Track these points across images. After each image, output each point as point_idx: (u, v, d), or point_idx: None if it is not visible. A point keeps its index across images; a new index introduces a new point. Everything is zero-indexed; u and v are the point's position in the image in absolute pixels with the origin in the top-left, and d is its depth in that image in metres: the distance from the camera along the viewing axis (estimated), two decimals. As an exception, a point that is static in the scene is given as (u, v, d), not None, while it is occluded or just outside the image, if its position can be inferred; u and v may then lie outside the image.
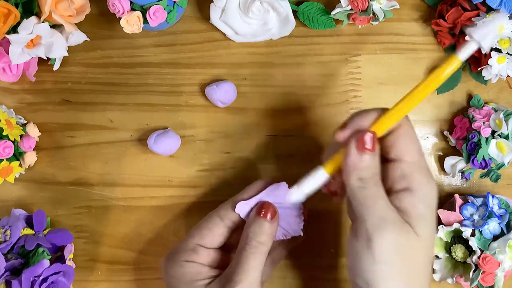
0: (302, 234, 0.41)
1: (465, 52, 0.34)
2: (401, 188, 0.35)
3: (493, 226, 0.44)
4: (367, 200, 0.35)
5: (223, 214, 0.41)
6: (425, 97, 0.35)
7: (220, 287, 0.38)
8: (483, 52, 0.34)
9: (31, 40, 0.41)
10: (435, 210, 0.36)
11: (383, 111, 0.36)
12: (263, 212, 0.39)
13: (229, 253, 0.43)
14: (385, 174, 0.36)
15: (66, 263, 0.44)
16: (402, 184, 0.35)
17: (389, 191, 0.36)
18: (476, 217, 0.45)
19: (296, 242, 0.44)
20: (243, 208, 0.40)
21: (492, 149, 0.45)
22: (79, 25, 0.46)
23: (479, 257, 0.43)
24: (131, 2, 0.43)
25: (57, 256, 0.45)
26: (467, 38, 0.34)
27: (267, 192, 0.40)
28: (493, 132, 0.45)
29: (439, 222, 0.45)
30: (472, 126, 0.46)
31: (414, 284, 0.35)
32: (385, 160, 0.37)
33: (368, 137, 0.35)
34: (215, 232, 0.41)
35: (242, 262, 0.38)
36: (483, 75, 0.45)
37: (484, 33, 0.34)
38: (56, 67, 0.45)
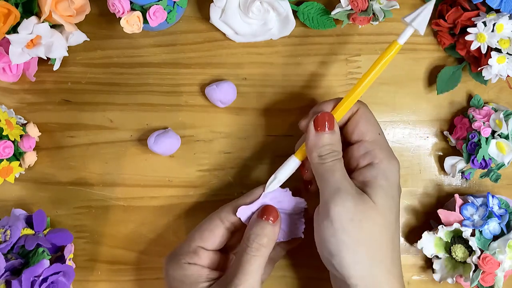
0: (302, 236, 0.42)
1: (403, 37, 0.39)
2: (364, 164, 0.39)
3: (493, 226, 0.44)
4: (324, 174, 0.38)
5: (223, 216, 0.41)
6: (373, 81, 0.39)
7: None
8: (422, 34, 0.39)
9: (31, 40, 0.41)
10: (396, 183, 0.39)
11: (340, 99, 0.40)
12: (265, 215, 0.39)
13: (230, 254, 0.43)
14: (351, 155, 0.40)
15: (66, 263, 0.44)
16: (365, 161, 0.39)
17: (356, 169, 0.39)
18: (476, 217, 0.45)
19: (295, 243, 0.44)
20: (244, 212, 0.40)
21: (492, 149, 0.45)
22: (79, 25, 0.46)
23: (479, 257, 0.43)
24: (131, 2, 0.43)
25: (57, 256, 0.45)
26: (404, 22, 0.39)
27: (267, 194, 0.41)
28: (493, 132, 0.45)
29: (439, 222, 0.45)
30: (472, 126, 0.46)
31: (376, 253, 0.36)
32: (350, 144, 0.41)
33: (323, 117, 0.39)
34: (216, 234, 0.41)
35: (242, 264, 0.38)
36: (483, 75, 0.45)
37: (414, 17, 0.38)
38: (56, 67, 0.45)
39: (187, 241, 0.41)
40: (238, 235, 0.42)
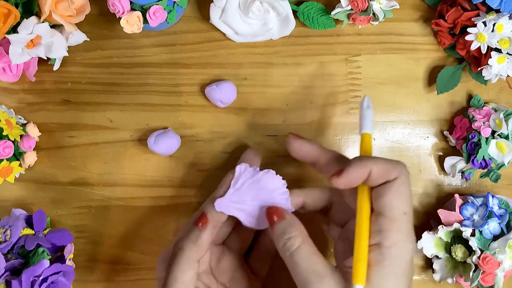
0: (292, 209, 0.40)
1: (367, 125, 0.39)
2: (373, 243, 0.34)
3: (493, 226, 0.44)
4: (289, 265, 0.36)
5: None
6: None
7: None
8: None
9: (31, 40, 0.41)
10: (404, 270, 0.34)
11: (376, 161, 0.35)
12: (196, 222, 0.39)
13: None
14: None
15: (66, 263, 0.44)
16: (375, 239, 0.34)
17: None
18: (476, 217, 0.45)
19: None
20: (222, 204, 0.39)
21: (492, 149, 0.45)
22: (79, 25, 0.46)
23: (479, 257, 0.43)
24: (131, 2, 0.43)
25: (57, 256, 0.45)
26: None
27: (237, 179, 0.39)
28: (493, 132, 0.45)
29: (439, 222, 0.45)
30: (472, 126, 0.46)
31: None
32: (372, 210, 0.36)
33: (269, 212, 0.38)
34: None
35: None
36: (483, 75, 0.45)
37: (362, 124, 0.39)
38: (56, 67, 0.45)
39: (173, 240, 0.41)
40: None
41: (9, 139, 0.44)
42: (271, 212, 0.39)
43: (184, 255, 0.38)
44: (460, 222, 0.44)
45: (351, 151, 0.49)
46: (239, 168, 0.40)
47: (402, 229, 0.34)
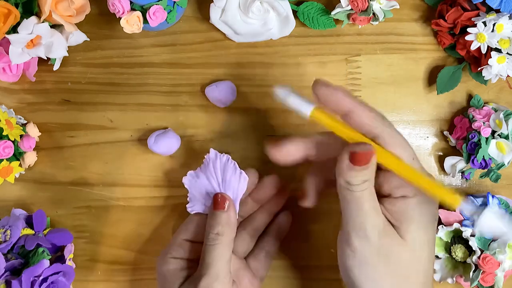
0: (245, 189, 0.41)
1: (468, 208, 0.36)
2: (397, 196, 0.36)
3: (493, 226, 0.44)
4: (351, 203, 0.35)
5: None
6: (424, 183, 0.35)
7: (192, 284, 0.38)
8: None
9: (31, 40, 0.41)
10: (431, 215, 0.36)
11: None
12: (216, 206, 0.40)
13: None
14: (383, 182, 0.36)
15: (66, 263, 0.44)
16: (399, 192, 0.36)
17: (388, 197, 0.36)
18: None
19: (285, 232, 0.44)
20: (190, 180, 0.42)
21: (492, 149, 0.45)
22: (79, 25, 0.46)
23: (479, 257, 0.43)
24: (131, 2, 0.43)
25: (57, 256, 0.45)
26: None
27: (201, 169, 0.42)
28: (493, 132, 0.45)
29: (439, 222, 0.45)
30: (472, 126, 0.46)
31: (403, 286, 0.35)
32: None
33: (361, 157, 0.34)
34: (199, 225, 0.41)
35: (203, 256, 0.38)
36: (483, 75, 0.45)
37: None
38: (56, 67, 0.45)
39: (174, 235, 0.42)
40: None
41: (9, 139, 0.44)
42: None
43: (224, 239, 0.38)
44: (460, 222, 0.44)
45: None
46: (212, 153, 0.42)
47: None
